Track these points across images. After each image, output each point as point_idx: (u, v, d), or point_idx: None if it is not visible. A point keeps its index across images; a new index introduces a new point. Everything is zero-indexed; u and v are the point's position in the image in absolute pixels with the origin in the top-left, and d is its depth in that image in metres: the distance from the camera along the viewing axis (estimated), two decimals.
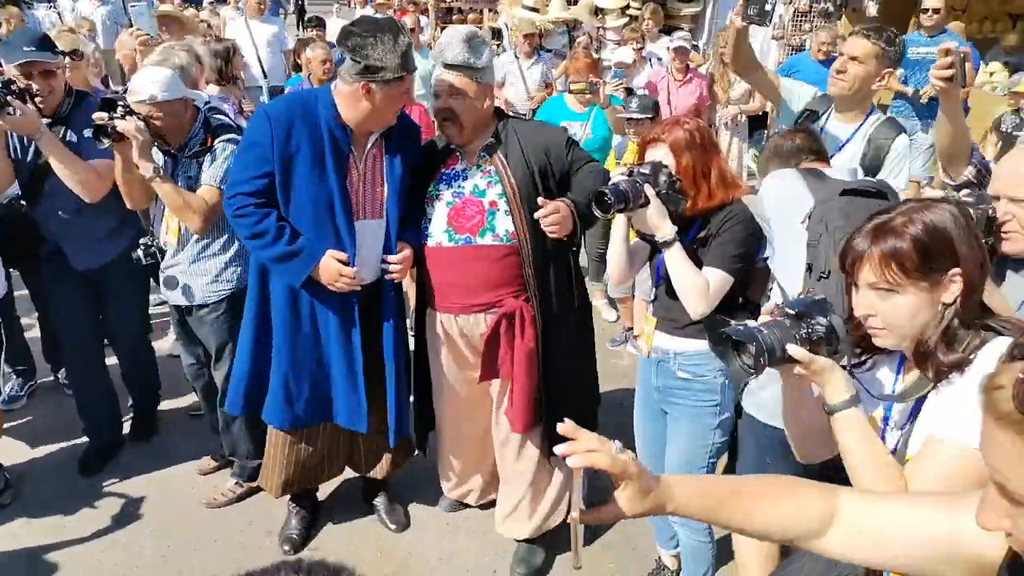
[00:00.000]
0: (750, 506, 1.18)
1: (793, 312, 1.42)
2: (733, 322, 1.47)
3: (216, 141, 2.88)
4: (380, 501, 3.14)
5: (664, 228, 2.11)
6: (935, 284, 1.35)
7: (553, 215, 2.43)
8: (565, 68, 4.74)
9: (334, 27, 7.57)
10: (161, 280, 3.10)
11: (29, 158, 3.07)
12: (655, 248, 2.30)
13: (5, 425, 3.42)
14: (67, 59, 4.16)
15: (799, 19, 9.00)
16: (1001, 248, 1.81)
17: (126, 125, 2.67)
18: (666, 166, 2.15)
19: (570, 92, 4.43)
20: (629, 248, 2.37)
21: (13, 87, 2.81)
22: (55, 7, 11.05)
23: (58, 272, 3.25)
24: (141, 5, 6.06)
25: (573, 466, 1.09)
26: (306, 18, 8.48)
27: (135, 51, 4.54)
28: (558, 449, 1.12)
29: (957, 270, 1.34)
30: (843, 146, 2.85)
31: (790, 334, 1.39)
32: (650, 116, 4.09)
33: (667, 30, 7.60)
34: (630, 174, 2.12)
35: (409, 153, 2.62)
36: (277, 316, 2.64)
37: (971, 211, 1.77)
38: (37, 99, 2.93)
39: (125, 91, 2.98)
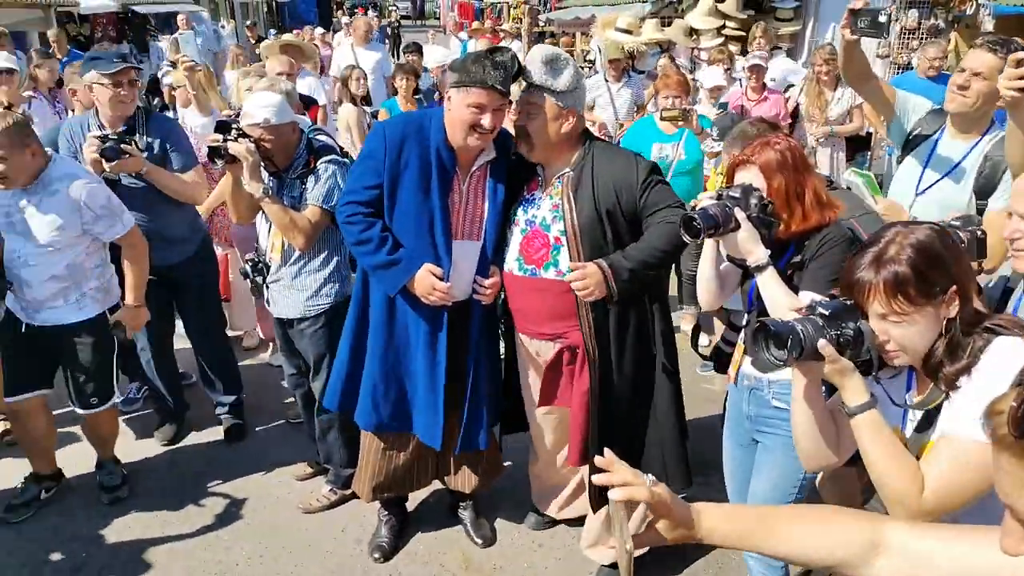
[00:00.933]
0: (782, 532, 1.20)
1: (827, 313, 1.49)
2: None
3: (319, 162, 3.02)
4: (467, 515, 3.18)
5: (757, 253, 2.04)
6: (938, 304, 1.45)
7: (580, 280, 2.44)
8: (656, 86, 4.67)
9: (430, 53, 7.85)
10: (265, 294, 3.27)
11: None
12: (747, 273, 2.23)
13: (121, 422, 3.67)
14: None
15: (906, 36, 8.63)
16: (1014, 267, 1.85)
17: (238, 147, 2.85)
18: (757, 188, 2.07)
19: (662, 119, 4.31)
20: (720, 272, 2.31)
21: (127, 138, 3.27)
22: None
23: None
24: (188, 34, 6.59)
25: (614, 498, 1.15)
26: (403, 45, 8.81)
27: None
28: (596, 479, 1.16)
29: (954, 288, 1.45)
30: (956, 166, 2.69)
31: (822, 332, 1.47)
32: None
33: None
34: (719, 197, 2.06)
35: (513, 180, 2.67)
36: (374, 321, 2.74)
37: (961, 234, 1.86)
38: (123, 104, 3.36)
39: (237, 115, 3.19)
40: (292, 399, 3.77)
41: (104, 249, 3.22)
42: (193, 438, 3.92)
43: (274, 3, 31.03)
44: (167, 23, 16.81)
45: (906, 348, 1.48)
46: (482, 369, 2.80)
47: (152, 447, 3.83)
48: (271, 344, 4.75)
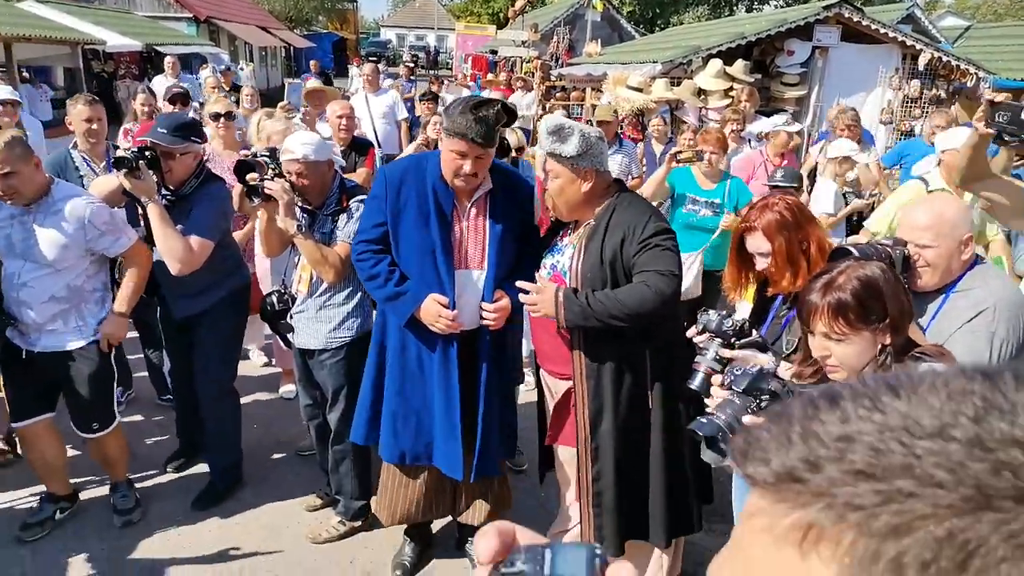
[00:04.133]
0: None
1: (741, 390, 1.65)
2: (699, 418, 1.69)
3: (351, 201, 3.16)
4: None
5: None
6: (874, 331, 1.67)
7: (533, 295, 2.52)
8: (698, 141, 4.80)
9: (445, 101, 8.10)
10: (291, 322, 3.35)
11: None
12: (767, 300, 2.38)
13: (134, 446, 3.72)
14: (221, 120, 4.66)
15: (909, 104, 8.92)
16: (915, 284, 2.09)
17: (274, 186, 2.98)
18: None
19: (677, 162, 4.38)
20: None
21: (147, 154, 3.14)
22: (217, 72, 11.98)
23: (165, 317, 3.59)
24: (297, 83, 6.86)
25: None
26: (420, 93, 9.04)
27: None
28: None
29: (888, 319, 1.66)
30: None
31: (743, 409, 1.62)
32: (795, 186, 4.30)
33: (771, 111, 7.69)
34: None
35: (515, 209, 2.80)
36: (391, 355, 2.85)
37: (891, 251, 2.04)
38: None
39: (254, 155, 3.25)
40: (304, 432, 3.81)
41: (106, 274, 3.27)
42: (205, 466, 3.94)
43: (292, 49, 31.86)
44: (187, 63, 17.30)
45: (843, 364, 1.68)
46: (494, 397, 2.87)
47: (165, 473, 3.88)
48: (283, 376, 4.82)
